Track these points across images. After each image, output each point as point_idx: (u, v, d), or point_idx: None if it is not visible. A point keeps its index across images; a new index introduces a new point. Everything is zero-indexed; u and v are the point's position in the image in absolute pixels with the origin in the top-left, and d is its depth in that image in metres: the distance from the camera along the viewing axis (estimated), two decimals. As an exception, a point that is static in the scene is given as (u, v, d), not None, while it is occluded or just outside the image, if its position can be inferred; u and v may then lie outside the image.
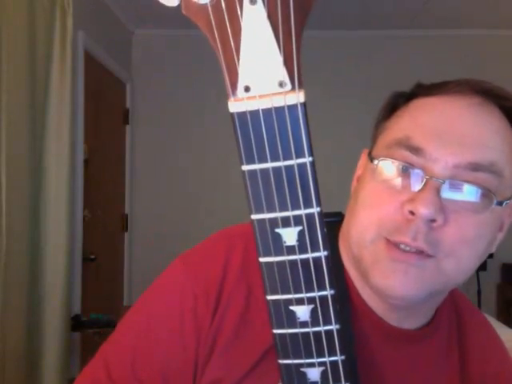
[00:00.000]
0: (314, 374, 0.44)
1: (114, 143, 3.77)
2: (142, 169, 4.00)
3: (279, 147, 0.39)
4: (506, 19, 3.69)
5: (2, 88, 2.04)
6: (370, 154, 0.67)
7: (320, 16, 3.61)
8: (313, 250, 0.41)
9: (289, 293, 0.42)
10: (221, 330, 0.63)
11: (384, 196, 0.62)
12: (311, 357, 0.44)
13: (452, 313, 0.73)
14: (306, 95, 0.39)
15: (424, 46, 3.86)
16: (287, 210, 0.40)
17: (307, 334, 0.44)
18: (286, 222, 0.41)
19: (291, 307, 0.43)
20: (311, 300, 0.43)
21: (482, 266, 3.88)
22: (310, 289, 0.42)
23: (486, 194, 0.60)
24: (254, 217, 0.41)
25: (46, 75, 2.37)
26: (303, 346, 0.44)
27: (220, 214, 3.61)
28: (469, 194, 0.60)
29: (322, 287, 0.42)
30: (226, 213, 3.28)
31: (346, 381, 0.45)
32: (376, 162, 0.63)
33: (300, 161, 0.39)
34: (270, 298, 0.43)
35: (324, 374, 0.44)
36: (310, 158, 0.40)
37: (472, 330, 0.74)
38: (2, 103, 2.04)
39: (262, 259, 0.42)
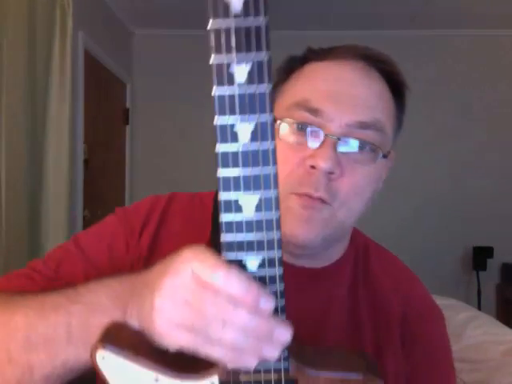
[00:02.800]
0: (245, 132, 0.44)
1: (114, 143, 3.77)
2: (142, 169, 4.00)
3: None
4: (506, 19, 3.69)
5: (3, 88, 2.04)
6: None
7: (320, 16, 3.61)
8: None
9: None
10: (141, 253, 0.74)
11: (286, 154, 0.68)
12: None
13: (359, 257, 0.80)
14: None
15: (424, 46, 3.86)
16: None
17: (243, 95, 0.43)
18: None
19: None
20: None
21: (482, 266, 3.89)
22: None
23: (374, 148, 0.70)
24: None
25: (46, 75, 2.37)
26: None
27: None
28: (359, 148, 0.69)
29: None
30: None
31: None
32: (278, 122, 0.69)
33: None
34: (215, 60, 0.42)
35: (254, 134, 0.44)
36: None
37: (378, 267, 0.80)
38: (2, 103, 2.04)
39: None
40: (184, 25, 3.89)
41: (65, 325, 0.54)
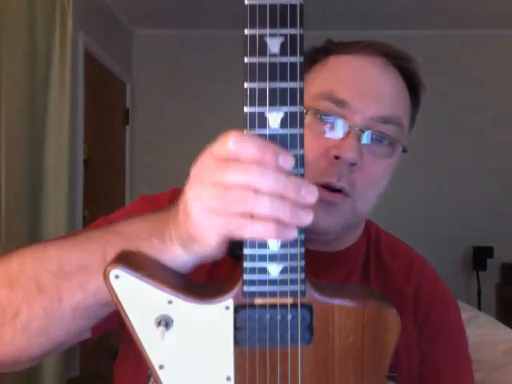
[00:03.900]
0: (274, 44, 0.45)
1: (114, 143, 3.77)
2: (142, 169, 4.00)
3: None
4: (506, 19, 3.69)
5: (2, 88, 2.04)
6: None
7: (321, 16, 3.61)
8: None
9: None
10: None
11: (310, 142, 0.68)
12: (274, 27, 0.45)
13: (372, 245, 0.82)
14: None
15: (424, 46, 3.86)
16: None
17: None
18: None
19: None
20: None
21: (482, 266, 3.89)
22: None
23: (393, 142, 0.72)
24: None
25: (46, 75, 2.37)
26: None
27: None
28: (380, 141, 0.71)
29: None
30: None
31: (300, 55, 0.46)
32: (306, 111, 0.70)
33: None
34: None
35: (283, 47, 0.45)
36: None
37: (389, 253, 0.82)
38: (2, 103, 2.04)
39: None
40: (184, 25, 3.89)
41: (100, 253, 0.53)
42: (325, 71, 0.74)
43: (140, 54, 4.04)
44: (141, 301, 0.49)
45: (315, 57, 0.76)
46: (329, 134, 0.70)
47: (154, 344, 0.50)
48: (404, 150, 0.74)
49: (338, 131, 0.69)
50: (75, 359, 2.82)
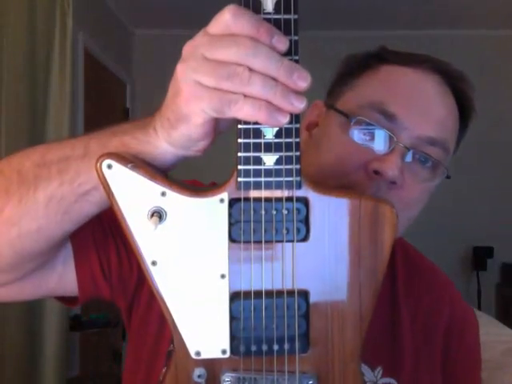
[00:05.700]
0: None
1: (114, 143, 3.77)
2: (142, 169, 4.01)
3: None
4: (505, 19, 3.69)
5: (2, 88, 2.05)
6: (332, 105, 0.71)
7: (320, 16, 3.61)
8: None
9: None
10: None
11: (351, 150, 0.66)
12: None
13: (398, 267, 0.77)
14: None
15: (424, 46, 3.86)
16: None
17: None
18: None
19: None
20: None
21: (482, 266, 3.89)
22: None
23: (437, 166, 0.68)
24: None
25: (46, 75, 2.37)
26: None
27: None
28: (423, 163, 0.67)
29: None
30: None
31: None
32: (352, 118, 0.67)
33: None
34: None
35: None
36: None
37: (420, 277, 0.79)
38: (2, 103, 2.04)
39: None
40: (184, 25, 3.89)
41: (82, 145, 0.53)
42: (376, 80, 0.70)
43: (140, 54, 4.04)
44: (133, 192, 0.48)
45: (367, 62, 0.72)
46: (370, 146, 0.66)
47: (146, 238, 0.49)
48: (447, 176, 0.70)
49: (381, 145, 0.65)
50: (75, 359, 2.82)
